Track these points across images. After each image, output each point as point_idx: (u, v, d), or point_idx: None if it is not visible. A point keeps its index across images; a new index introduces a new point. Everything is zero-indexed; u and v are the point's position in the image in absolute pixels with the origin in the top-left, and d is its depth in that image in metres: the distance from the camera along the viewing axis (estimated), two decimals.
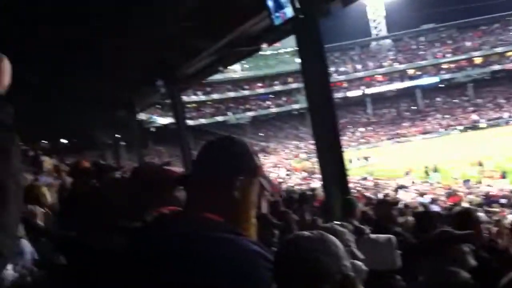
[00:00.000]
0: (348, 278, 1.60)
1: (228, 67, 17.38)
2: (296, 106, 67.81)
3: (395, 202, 7.69)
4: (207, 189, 1.54)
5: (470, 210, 3.79)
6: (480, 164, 30.52)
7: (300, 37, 9.46)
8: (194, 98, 62.84)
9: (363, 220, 5.39)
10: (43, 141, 32.42)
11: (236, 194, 1.54)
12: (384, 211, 5.37)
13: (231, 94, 68.52)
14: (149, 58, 14.90)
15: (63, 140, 38.09)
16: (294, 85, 66.80)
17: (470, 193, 21.79)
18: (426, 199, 19.33)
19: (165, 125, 47.84)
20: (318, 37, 9.19)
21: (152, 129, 50.64)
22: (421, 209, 9.93)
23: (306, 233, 1.69)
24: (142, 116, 35.90)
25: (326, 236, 1.66)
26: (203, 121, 62.92)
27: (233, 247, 1.40)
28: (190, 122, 36.68)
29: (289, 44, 60.46)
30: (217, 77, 49.53)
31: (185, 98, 27.81)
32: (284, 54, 68.25)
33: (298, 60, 9.72)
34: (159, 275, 1.38)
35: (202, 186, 1.55)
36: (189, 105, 57.83)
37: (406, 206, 8.57)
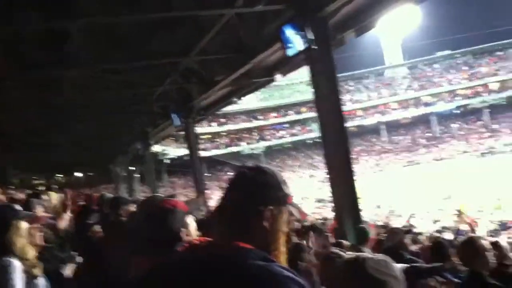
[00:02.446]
0: None
1: (243, 98, 17.51)
2: (310, 135, 67.90)
3: (408, 230, 7.69)
4: (237, 218, 1.57)
5: (474, 239, 3.83)
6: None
7: (313, 67, 9.56)
8: (208, 129, 63.30)
9: (375, 248, 5.43)
10: (57, 174, 32.76)
11: (266, 223, 1.58)
12: (396, 238, 5.43)
13: (246, 124, 69.01)
14: (165, 90, 15.14)
15: (77, 174, 38.40)
16: (309, 115, 66.96)
17: (487, 220, 21.54)
18: (441, 226, 19.15)
19: (179, 157, 48.08)
20: (331, 67, 9.24)
21: (167, 161, 50.89)
22: (435, 236, 9.89)
23: (370, 254, 1.75)
24: (156, 148, 36.11)
25: (389, 259, 1.74)
26: (217, 151, 63.24)
27: (266, 273, 1.42)
28: (204, 153, 36.87)
29: (304, 73, 60.77)
30: (232, 108, 49.93)
31: (199, 129, 28.01)
32: (298, 83, 68.64)
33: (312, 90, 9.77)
34: None
35: (232, 216, 1.58)
36: (203, 136, 58.17)
37: (419, 233, 8.55)
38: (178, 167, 46.18)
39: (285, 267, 1.48)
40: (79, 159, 27.61)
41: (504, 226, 19.04)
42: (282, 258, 1.60)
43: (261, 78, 14.46)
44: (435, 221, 21.51)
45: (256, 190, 1.59)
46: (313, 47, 9.00)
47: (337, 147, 9.13)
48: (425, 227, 18.09)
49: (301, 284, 1.44)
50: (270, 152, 67.50)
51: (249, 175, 1.65)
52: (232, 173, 1.71)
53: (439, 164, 58.62)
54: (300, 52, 9.25)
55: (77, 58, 10.47)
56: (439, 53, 76.42)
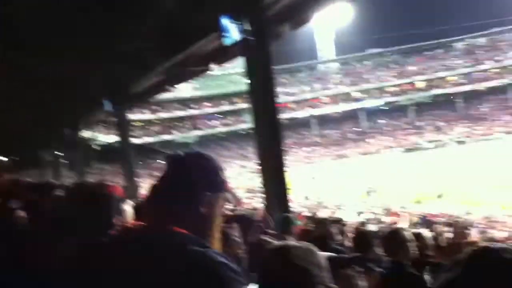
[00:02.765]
0: None
1: (177, 86, 17.29)
2: (243, 126, 68.12)
3: (335, 220, 7.94)
4: (174, 203, 1.55)
5: (397, 230, 4.02)
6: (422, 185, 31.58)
7: (249, 58, 9.60)
8: (140, 116, 62.15)
9: (302, 238, 5.56)
10: None
11: (203, 209, 1.57)
12: (324, 228, 5.59)
13: (179, 113, 68.34)
14: (97, 76, 14.71)
15: (1, 158, 36.70)
16: (242, 105, 67.16)
17: (408, 213, 22.48)
18: (365, 218, 19.83)
19: (110, 143, 46.96)
20: (267, 59, 9.31)
21: (96, 147, 49.57)
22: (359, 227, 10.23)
23: (295, 243, 1.77)
24: (86, 133, 35.10)
25: (314, 248, 1.75)
26: (149, 139, 62.24)
27: (202, 259, 1.43)
28: (135, 141, 36.23)
29: (238, 64, 60.84)
30: (165, 96, 49.22)
31: (131, 116, 27.46)
32: (233, 74, 68.57)
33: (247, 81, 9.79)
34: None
35: (169, 200, 1.56)
36: (135, 123, 57.07)
37: (345, 224, 8.82)
38: (108, 153, 45.02)
39: (220, 253, 1.50)
40: (4, 143, 26.35)
41: (424, 219, 19.97)
42: (217, 244, 1.61)
43: (197, 67, 14.33)
44: (360, 213, 22.23)
45: (194, 175, 1.58)
46: (249, 38, 9.05)
47: (269, 138, 9.24)
48: (350, 218, 18.64)
49: (236, 270, 1.46)
50: (203, 141, 67.16)
51: (187, 159, 1.65)
52: (165, 161, 1.67)
53: (366, 158, 60.62)
54: (237, 42, 9.27)
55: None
56: (370, 51, 78.77)
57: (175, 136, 66.77)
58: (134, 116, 54.85)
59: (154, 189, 1.63)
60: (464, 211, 22.74)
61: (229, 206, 1.76)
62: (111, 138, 45.54)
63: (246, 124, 66.34)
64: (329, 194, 34.30)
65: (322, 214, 20.25)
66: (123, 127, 17.60)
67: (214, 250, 1.51)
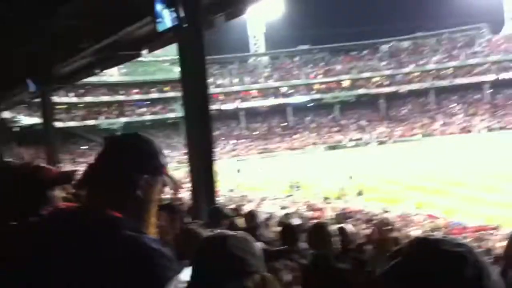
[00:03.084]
0: (266, 278, 1.70)
1: (105, 71, 16.81)
2: (171, 115, 67.47)
3: (265, 214, 8.08)
4: (109, 185, 1.50)
5: (321, 224, 4.13)
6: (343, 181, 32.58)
7: (182, 46, 9.51)
8: (65, 99, 59.96)
9: (230, 229, 5.59)
10: None
11: (139, 192, 1.52)
12: (253, 221, 5.64)
13: (106, 98, 66.55)
14: (20, 54, 13.98)
15: None
16: (171, 94, 66.52)
17: (330, 209, 23.15)
18: (289, 212, 20.17)
19: (31, 125, 45.11)
20: (200, 48, 9.25)
21: (16, 129, 47.50)
22: (285, 221, 10.40)
23: (231, 232, 1.75)
24: (6, 114, 33.55)
25: (250, 237, 1.75)
26: (73, 123, 60.29)
27: (136, 245, 1.39)
28: (59, 124, 34.99)
29: (169, 52, 60.10)
30: (92, 79, 47.82)
31: (56, 98, 26.42)
32: (163, 62, 67.67)
33: (177, 69, 9.69)
34: (56, 270, 1.35)
35: (104, 182, 1.51)
36: (59, 106, 55.05)
37: (272, 217, 8.95)
38: (29, 136, 43.16)
39: (155, 239, 1.47)
40: None
41: (344, 215, 20.63)
42: (152, 229, 1.57)
43: (128, 51, 13.99)
44: (284, 207, 22.60)
45: (132, 157, 1.53)
46: (183, 25, 8.94)
47: (199, 128, 9.20)
48: (274, 212, 18.92)
49: (170, 257, 1.43)
50: (129, 128, 65.70)
51: (126, 141, 1.60)
52: (103, 142, 1.61)
53: (291, 153, 61.80)
54: (170, 29, 9.14)
55: None
56: (300, 47, 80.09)
57: (101, 121, 65.04)
58: (58, 98, 52.90)
59: (90, 170, 1.57)
60: (382, 209, 23.67)
61: (168, 191, 1.71)
62: (33, 120, 43.81)
63: (174, 113, 65.89)
64: (254, 188, 34.65)
65: (247, 207, 20.44)
66: (47, 109, 16.93)
67: (149, 236, 1.47)
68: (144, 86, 69.24)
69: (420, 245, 1.01)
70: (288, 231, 4.88)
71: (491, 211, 23.29)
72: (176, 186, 1.67)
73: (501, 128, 61.58)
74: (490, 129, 62.32)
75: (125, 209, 1.48)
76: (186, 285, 1.58)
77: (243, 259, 1.66)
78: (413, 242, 1.03)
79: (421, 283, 0.96)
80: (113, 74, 64.71)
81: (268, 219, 9.51)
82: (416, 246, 1.01)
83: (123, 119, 66.27)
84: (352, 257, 4.49)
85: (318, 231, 4.03)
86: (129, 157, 1.53)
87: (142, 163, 1.54)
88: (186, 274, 1.88)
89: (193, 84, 9.29)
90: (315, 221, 5.68)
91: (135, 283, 1.35)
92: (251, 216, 5.81)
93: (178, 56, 9.76)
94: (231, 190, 31.25)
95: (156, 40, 12.80)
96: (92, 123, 63.73)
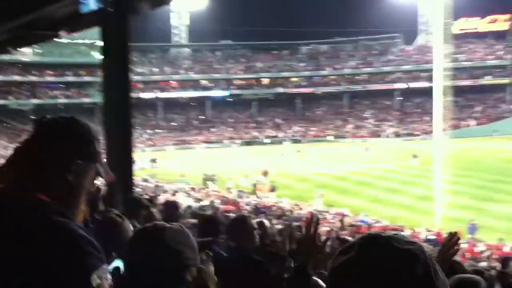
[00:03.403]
0: (203, 271, 1.69)
1: (20, 49, 15.91)
2: (85, 100, 65.30)
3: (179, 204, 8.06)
4: (40, 167, 1.46)
5: (244, 217, 4.19)
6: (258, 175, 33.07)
7: (105, 30, 9.22)
8: None
9: (149, 220, 5.53)
10: None
11: (71, 177, 1.48)
12: (171, 212, 5.62)
13: (17, 77, 63.13)
14: None
15: None
16: (87, 78, 64.42)
17: (245, 203, 23.41)
18: (203, 204, 20.19)
19: None
20: (124, 33, 9.02)
21: None
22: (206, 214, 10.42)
23: (167, 224, 1.70)
24: None
25: (186, 229, 1.72)
26: None
27: (62, 230, 1.37)
28: None
29: (87, 35, 58.01)
30: (3, 57, 45.13)
31: None
32: (81, 45, 65.24)
33: (95, 53, 9.40)
34: None
35: (35, 164, 1.46)
36: None
37: (189, 208, 8.97)
38: None
39: (82, 226, 1.45)
40: None
41: (259, 210, 20.95)
42: (81, 216, 1.54)
43: (45, 31, 13.31)
44: (198, 200, 22.56)
45: (66, 140, 1.50)
46: (108, 9, 8.70)
47: (119, 116, 8.98)
48: (188, 204, 18.87)
49: (97, 246, 1.42)
50: (40, 111, 62.61)
51: (61, 123, 1.55)
52: (35, 122, 1.57)
53: (208, 146, 61.83)
54: (94, 12, 8.86)
55: None
56: (222, 42, 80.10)
57: (10, 101, 61.74)
58: None
59: (19, 151, 1.52)
60: (293, 205, 24.25)
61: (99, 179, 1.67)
62: None
63: (89, 98, 63.83)
64: (168, 179, 34.38)
65: (161, 198, 20.21)
66: None
67: (77, 223, 1.45)
68: (59, 68, 66.19)
69: (372, 241, 1.03)
70: (210, 223, 4.88)
71: (394, 212, 24.66)
72: (109, 175, 1.64)
73: (407, 135, 64.89)
74: (397, 135, 65.49)
75: (54, 193, 1.45)
76: (110, 275, 1.53)
77: (180, 252, 1.64)
78: (365, 238, 1.05)
79: (373, 279, 0.97)
80: (26, 54, 61.54)
81: (185, 210, 9.53)
82: (368, 242, 1.03)
83: (35, 101, 63.06)
84: (269, 252, 4.59)
85: (239, 224, 4.07)
86: (63, 140, 1.50)
87: (76, 148, 1.51)
88: (114, 264, 1.84)
89: (115, 70, 9.04)
90: (238, 214, 5.73)
91: (60, 269, 1.32)
92: (171, 206, 5.78)
93: (96, 40, 9.47)
94: (145, 180, 30.77)
95: (77, 22, 12.29)
96: (0, 103, 60.37)
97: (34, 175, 1.45)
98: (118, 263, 1.95)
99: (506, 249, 17.28)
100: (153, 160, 43.42)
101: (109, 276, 1.44)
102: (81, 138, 1.53)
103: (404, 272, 0.97)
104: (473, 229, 19.88)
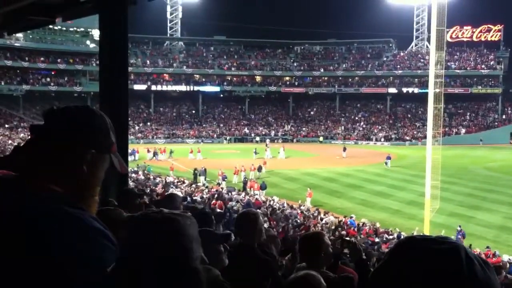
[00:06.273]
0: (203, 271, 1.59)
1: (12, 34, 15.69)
2: (77, 89, 64.93)
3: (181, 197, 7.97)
4: (53, 157, 1.42)
5: (256, 215, 4.10)
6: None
7: (103, 18, 9.09)
8: None
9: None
10: None
11: (85, 167, 1.44)
12: (172, 204, 5.52)
13: (8, 62, 62.58)
14: None
15: None
16: (79, 67, 64.11)
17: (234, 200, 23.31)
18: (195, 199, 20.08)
19: None
20: (122, 22, 8.92)
21: None
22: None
23: (171, 214, 1.56)
24: None
25: (193, 220, 1.60)
26: None
27: (75, 223, 1.33)
28: None
29: (81, 23, 57.61)
30: None
31: None
32: (74, 33, 64.79)
33: (88, 42, 9.27)
34: None
35: (48, 153, 1.42)
36: None
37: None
38: None
39: (96, 218, 1.41)
40: None
41: (248, 205, 20.86)
42: (94, 207, 1.50)
43: (40, 17, 13.10)
44: (188, 194, 22.45)
45: (81, 130, 1.46)
46: None
47: (115, 105, 8.86)
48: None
49: (110, 238, 1.39)
50: (30, 97, 62.28)
51: (76, 112, 1.50)
52: (46, 113, 1.52)
53: (198, 141, 61.76)
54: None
55: None
56: (216, 37, 79.85)
57: (1, 87, 61.50)
58: None
59: (33, 140, 1.48)
60: (283, 204, 24.27)
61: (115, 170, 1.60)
62: None
63: (81, 87, 63.53)
64: (159, 172, 34.46)
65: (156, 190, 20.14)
66: None
67: (91, 215, 1.41)
68: (51, 55, 65.56)
69: (409, 244, 1.00)
70: (202, 216, 4.81)
71: (381, 215, 24.80)
72: (123, 166, 1.59)
73: (396, 139, 65.18)
74: (387, 139, 65.71)
75: (67, 183, 1.42)
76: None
77: (187, 244, 1.48)
78: (402, 242, 1.02)
79: (415, 283, 0.94)
80: (19, 39, 61.05)
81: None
82: (406, 246, 1.00)
83: (25, 87, 62.64)
84: (262, 250, 4.53)
85: (245, 219, 3.98)
86: (78, 129, 1.46)
87: (91, 137, 1.47)
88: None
89: (112, 58, 8.92)
90: (245, 210, 5.60)
91: (72, 261, 1.28)
92: (169, 198, 5.67)
93: (90, 29, 9.35)
94: (136, 172, 30.73)
95: (74, 9, 12.12)
96: None
97: (47, 165, 1.42)
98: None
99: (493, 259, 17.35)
100: (171, 152, 44.53)
101: None
102: (95, 128, 1.49)
103: (449, 273, 0.94)
104: (460, 235, 19.95)
